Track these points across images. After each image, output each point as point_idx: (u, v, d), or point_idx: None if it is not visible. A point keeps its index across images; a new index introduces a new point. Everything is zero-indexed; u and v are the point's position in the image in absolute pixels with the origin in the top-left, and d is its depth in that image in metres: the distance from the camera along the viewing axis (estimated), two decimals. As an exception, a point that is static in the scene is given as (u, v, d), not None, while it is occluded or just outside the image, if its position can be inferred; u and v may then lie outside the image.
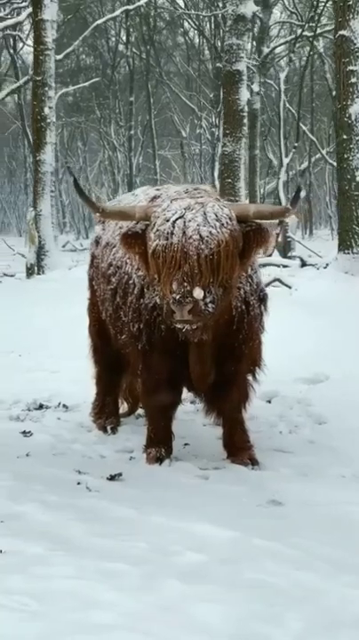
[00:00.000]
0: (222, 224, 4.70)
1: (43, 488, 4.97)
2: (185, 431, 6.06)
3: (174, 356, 5.24)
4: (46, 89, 16.28)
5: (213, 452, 5.65)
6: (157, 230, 4.75)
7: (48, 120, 16.22)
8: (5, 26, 24.44)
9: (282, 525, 4.43)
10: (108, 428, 6.26)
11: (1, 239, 27.38)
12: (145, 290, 5.30)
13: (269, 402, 6.90)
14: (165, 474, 5.30)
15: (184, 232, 4.65)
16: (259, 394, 6.84)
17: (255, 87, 25.74)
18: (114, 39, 42.83)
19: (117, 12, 29.89)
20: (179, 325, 4.69)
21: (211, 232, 4.64)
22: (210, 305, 4.62)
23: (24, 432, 6.17)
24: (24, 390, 7.40)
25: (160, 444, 5.56)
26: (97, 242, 6.26)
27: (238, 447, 5.52)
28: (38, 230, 16.01)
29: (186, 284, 4.57)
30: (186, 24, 40.54)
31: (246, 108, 16.92)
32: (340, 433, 6.01)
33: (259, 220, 4.89)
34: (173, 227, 4.69)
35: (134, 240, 4.96)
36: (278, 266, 14.23)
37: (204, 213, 4.71)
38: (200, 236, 4.63)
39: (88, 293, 6.43)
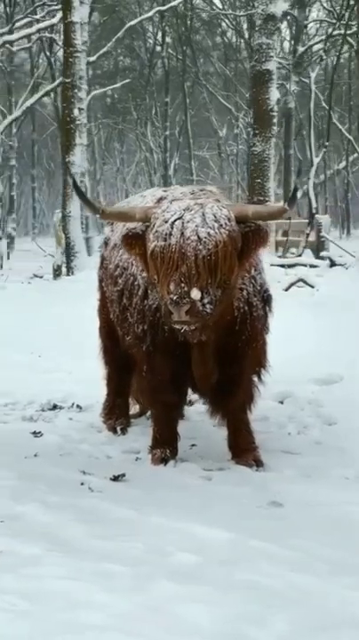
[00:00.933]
0: (220, 225, 4.69)
1: (47, 488, 5.00)
2: (194, 432, 6.08)
3: (178, 357, 5.24)
4: (76, 91, 16.36)
5: (220, 453, 5.63)
6: (156, 231, 4.76)
7: (77, 122, 16.30)
8: (39, 28, 24.56)
9: (280, 527, 4.42)
10: (118, 428, 6.27)
11: (33, 241, 27.53)
12: (149, 291, 5.31)
13: (282, 402, 6.87)
14: (169, 475, 5.31)
15: (182, 233, 4.66)
16: (271, 394, 6.89)
17: (289, 86, 25.66)
18: (151, 40, 42.93)
19: (151, 13, 29.94)
20: (177, 326, 4.70)
21: (209, 233, 4.64)
22: (208, 306, 4.61)
23: (34, 432, 6.20)
24: (40, 391, 7.44)
25: (165, 445, 5.56)
26: (106, 243, 6.29)
27: (243, 448, 5.51)
28: (67, 232, 16.11)
29: (183, 284, 4.58)
30: (223, 24, 40.59)
31: (276, 108, 16.87)
32: (349, 434, 5.97)
33: (257, 221, 4.88)
34: (172, 228, 4.70)
35: (135, 241, 4.97)
36: (306, 266, 14.18)
37: (203, 214, 4.71)
38: (198, 236, 4.63)
39: (98, 295, 6.45)
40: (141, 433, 6.21)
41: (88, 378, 7.36)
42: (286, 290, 11.89)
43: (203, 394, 5.52)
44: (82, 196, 5.42)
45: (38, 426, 6.41)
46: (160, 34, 40.75)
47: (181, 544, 4.15)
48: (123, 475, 5.21)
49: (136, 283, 5.49)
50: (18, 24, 27.99)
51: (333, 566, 3.92)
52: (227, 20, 39.54)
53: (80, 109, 18.06)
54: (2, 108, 33.75)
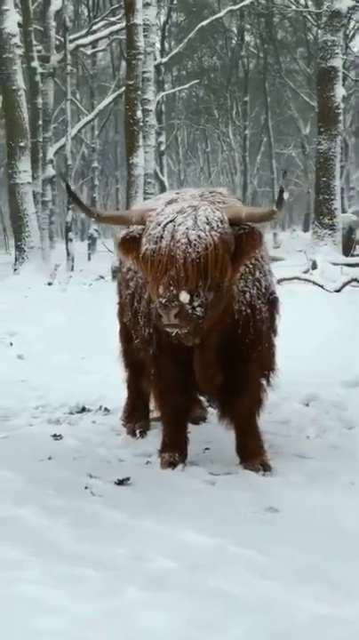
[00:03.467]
0: (212, 227, 4.64)
1: (51, 492, 5.05)
2: (210, 435, 6.05)
3: (184, 361, 5.21)
4: (139, 93, 16.42)
5: (230, 457, 5.58)
6: (149, 234, 4.75)
7: (141, 123, 16.35)
8: (112, 31, 24.75)
9: (268, 533, 4.39)
10: (137, 431, 6.28)
11: (102, 242, 27.71)
12: None
13: (307, 405, 6.78)
14: (174, 479, 5.29)
15: (173, 236, 4.63)
16: (299, 397, 6.82)
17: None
18: (234, 40, 42.86)
19: (222, 14, 29.84)
20: (167, 329, 4.67)
21: (199, 235, 4.60)
22: (198, 309, 4.57)
23: (54, 435, 6.26)
24: (75, 393, 7.49)
25: (174, 449, 5.55)
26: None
27: (250, 453, 5.46)
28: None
29: (172, 287, 4.55)
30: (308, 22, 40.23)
31: (341, 105, 16.65)
32: (367, 438, 5.87)
33: (251, 223, 4.82)
34: (163, 230, 4.68)
35: (132, 244, 4.95)
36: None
37: (195, 217, 4.68)
38: (188, 239, 4.59)
39: (117, 298, 6.46)
40: (160, 436, 6.19)
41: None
42: (338, 290, 11.74)
43: (209, 397, 5.48)
44: (76, 199, 5.43)
45: (61, 429, 6.47)
46: (244, 33, 40.58)
47: (164, 550, 4.16)
48: (128, 479, 5.22)
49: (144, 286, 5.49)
50: (95, 27, 28.17)
51: (306, 574, 3.89)
52: (309, 17, 39.14)
53: (147, 111, 18.17)
54: (85, 111, 34.12)
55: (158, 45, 35.85)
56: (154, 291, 4.69)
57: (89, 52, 28.59)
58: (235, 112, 41.18)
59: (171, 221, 4.70)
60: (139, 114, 16.33)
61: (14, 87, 15.67)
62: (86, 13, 36.12)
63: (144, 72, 18.47)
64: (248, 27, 39.80)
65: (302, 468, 5.39)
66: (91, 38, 26.38)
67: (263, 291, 5.30)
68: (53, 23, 22.55)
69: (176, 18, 43.14)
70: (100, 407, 7.09)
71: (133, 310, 5.69)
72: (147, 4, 18.36)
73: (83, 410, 7.09)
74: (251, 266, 5.25)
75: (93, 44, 28.33)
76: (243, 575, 3.87)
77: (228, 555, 4.10)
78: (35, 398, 7.54)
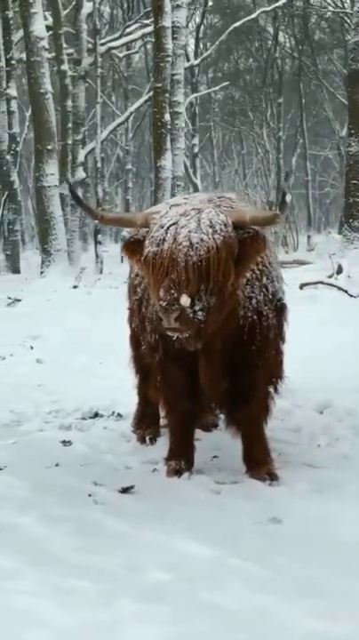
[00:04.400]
0: (215, 230, 4.57)
1: (54, 499, 5.00)
2: (220, 443, 5.97)
3: (190, 368, 5.16)
4: (167, 95, 16.38)
5: (238, 465, 5.49)
6: (152, 237, 4.69)
7: (168, 126, 16.32)
8: (144, 34, 24.76)
9: (269, 544, 4.31)
10: (147, 438, 6.21)
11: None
12: None
13: (321, 413, 6.68)
14: (179, 487, 5.22)
15: (175, 239, 4.56)
16: (312, 404, 6.73)
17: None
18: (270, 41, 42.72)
19: (254, 15, 29.75)
20: (169, 333, 4.61)
21: (201, 239, 4.53)
22: (199, 313, 4.49)
23: (64, 441, 6.21)
24: (89, 398, 7.44)
25: (180, 457, 5.48)
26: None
27: (257, 462, 5.37)
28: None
29: (173, 291, 4.48)
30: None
31: (372, 107, 16.50)
32: (380, 447, 5.78)
33: (256, 227, 4.74)
34: (166, 233, 4.61)
35: (136, 247, 4.89)
36: None
37: (199, 220, 4.61)
38: (190, 242, 4.52)
39: (127, 303, 6.41)
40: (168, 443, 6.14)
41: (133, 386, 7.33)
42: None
43: (215, 404, 5.40)
44: (79, 201, 5.39)
45: (71, 434, 6.42)
46: (280, 34, 40.43)
47: (162, 561, 4.11)
48: (132, 487, 5.16)
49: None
50: (129, 29, 28.18)
51: (305, 588, 3.83)
52: (347, 19, 38.89)
53: (177, 113, 18.13)
54: (119, 114, 34.19)
55: (192, 47, 35.95)
56: (155, 294, 4.63)
57: (121, 54, 28.60)
58: (269, 114, 41.00)
59: (174, 224, 4.63)
60: (167, 116, 16.30)
61: (42, 90, 15.71)
62: (121, 15, 36.14)
63: (174, 74, 18.44)
64: (283, 28, 39.61)
65: (310, 478, 5.29)
66: (122, 41, 26.40)
67: (270, 297, 5.21)
68: (85, 26, 22.54)
69: (211, 20, 43.14)
70: (113, 413, 7.03)
71: (141, 316, 5.64)
72: (177, 7, 18.28)
73: (96, 415, 7.03)
74: (257, 271, 5.17)
75: (127, 46, 28.32)
76: (240, 588, 3.81)
77: (226, 567, 4.03)
78: (48, 403, 7.52)
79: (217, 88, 35.74)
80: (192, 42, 36.81)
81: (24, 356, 10.00)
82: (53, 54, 21.71)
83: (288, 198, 4.59)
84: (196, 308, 4.49)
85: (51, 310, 12.62)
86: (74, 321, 11.27)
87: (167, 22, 16.35)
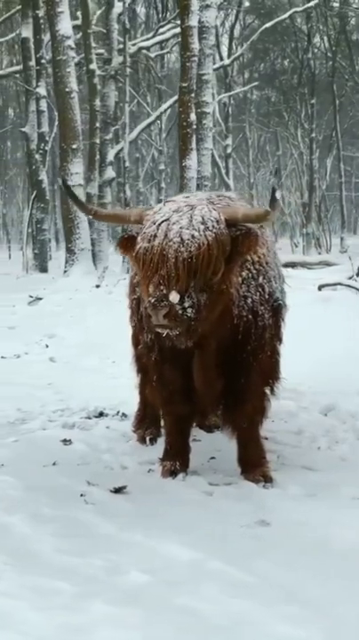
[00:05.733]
0: (207, 227, 4.52)
1: (46, 499, 4.97)
2: (219, 444, 5.91)
3: (186, 369, 5.11)
4: (192, 95, 16.31)
5: (234, 467, 5.45)
6: (144, 233, 4.65)
7: (194, 126, 16.25)
8: (175, 34, 24.71)
9: (252, 548, 4.26)
10: (147, 438, 6.18)
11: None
12: None
13: (326, 415, 6.60)
14: (172, 488, 5.18)
15: (166, 235, 4.52)
16: (318, 407, 6.66)
17: None
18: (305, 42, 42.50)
19: (286, 16, 29.60)
20: (158, 330, 4.56)
21: (192, 235, 4.48)
22: (189, 310, 4.43)
23: (64, 440, 6.18)
24: (97, 397, 7.45)
25: (175, 458, 5.44)
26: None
27: (251, 463, 5.32)
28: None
29: (162, 287, 4.43)
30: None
31: None
32: (379, 450, 5.70)
33: (249, 225, 4.68)
34: (158, 229, 4.57)
35: (130, 243, 4.84)
36: None
37: (191, 216, 4.56)
38: (181, 238, 4.48)
39: (128, 302, 6.38)
40: (168, 444, 6.10)
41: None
42: None
43: (210, 405, 5.34)
44: (73, 197, 5.37)
45: (73, 434, 6.38)
46: (311, 34, 40.17)
47: (143, 563, 4.06)
48: (124, 487, 5.12)
49: None
50: (162, 29, 28.15)
51: (284, 593, 3.77)
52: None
53: (205, 113, 18.07)
54: (151, 113, 34.16)
55: (226, 47, 35.83)
56: (144, 290, 4.59)
57: (153, 54, 28.58)
58: (303, 115, 40.79)
59: (165, 220, 4.60)
60: (193, 116, 16.22)
61: (67, 89, 15.72)
62: (156, 16, 36.16)
63: (202, 74, 18.35)
64: (318, 28, 39.37)
65: (305, 481, 5.23)
66: (153, 41, 26.39)
67: (266, 297, 5.15)
68: (116, 25, 22.53)
69: (249, 19, 43.00)
70: (118, 412, 7.01)
71: (139, 315, 5.60)
72: (206, 6, 18.20)
73: (101, 415, 7.01)
74: (254, 271, 5.12)
75: (161, 45, 28.31)
76: (217, 593, 3.75)
77: (207, 571, 3.97)
78: (56, 402, 7.52)
79: (246, 88, 35.57)
80: (225, 42, 36.66)
81: (38, 355, 10.03)
82: (82, 55, 21.73)
83: (278, 195, 4.52)
84: (186, 304, 4.44)
85: (71, 309, 12.64)
86: (91, 320, 11.28)
87: (193, 22, 16.27)
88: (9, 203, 52.57)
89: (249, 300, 5.04)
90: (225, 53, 34.96)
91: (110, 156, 22.27)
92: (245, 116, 44.25)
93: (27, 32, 24.32)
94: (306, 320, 8.28)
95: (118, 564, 4.04)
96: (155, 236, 4.56)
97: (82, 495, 5.04)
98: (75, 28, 20.98)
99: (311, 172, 37.75)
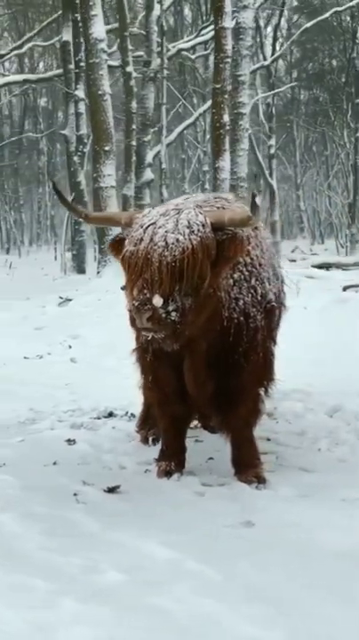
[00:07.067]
0: (192, 231, 4.54)
1: (40, 498, 5.01)
2: (218, 445, 5.89)
3: (179, 369, 5.14)
4: (226, 97, 16.29)
5: (231, 468, 5.45)
6: (131, 236, 4.70)
7: (227, 127, 16.24)
8: (213, 36, 24.67)
9: (232, 548, 4.26)
10: (150, 439, 6.19)
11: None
12: None
13: (331, 416, 6.58)
14: (165, 489, 5.20)
15: (151, 239, 4.56)
16: (324, 408, 6.64)
17: None
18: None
19: (327, 15, 29.39)
20: (143, 333, 4.60)
21: (177, 239, 4.51)
22: (173, 314, 4.46)
23: (68, 440, 6.24)
24: (109, 397, 7.51)
25: (171, 458, 5.47)
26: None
27: (245, 464, 5.32)
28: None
29: (146, 291, 4.47)
30: None
31: None
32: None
33: (235, 228, 4.69)
34: (144, 233, 4.61)
35: (121, 246, 4.88)
36: None
37: (177, 220, 4.59)
38: (166, 242, 4.51)
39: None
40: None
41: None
42: None
43: (202, 407, 5.35)
44: (64, 200, 5.40)
45: (78, 434, 6.43)
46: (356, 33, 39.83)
47: (121, 563, 4.08)
48: (118, 487, 5.16)
49: None
50: (204, 31, 28.21)
51: (255, 593, 3.76)
52: None
53: (241, 114, 18.04)
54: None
55: (269, 47, 35.68)
56: (129, 293, 4.62)
57: (194, 55, 28.63)
58: (350, 114, 40.48)
59: (152, 224, 4.63)
60: (226, 117, 16.20)
61: (100, 92, 15.81)
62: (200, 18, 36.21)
63: (239, 75, 18.29)
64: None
65: (298, 482, 5.23)
66: (192, 42, 26.43)
67: (259, 298, 5.15)
68: (155, 28, 22.63)
69: (295, 20, 42.81)
70: (127, 413, 7.05)
71: None
72: (244, 7, 18.15)
73: (110, 415, 7.07)
74: (246, 273, 5.13)
75: (205, 47, 28.33)
76: (189, 593, 3.75)
77: (183, 571, 3.98)
78: (69, 402, 7.59)
79: (283, 89, 35.38)
80: (269, 42, 36.49)
81: (61, 356, 10.12)
82: (120, 57, 21.85)
83: (258, 200, 4.52)
84: (170, 308, 4.47)
85: (98, 310, 12.71)
86: (115, 321, 11.29)
87: (227, 23, 16.27)
88: (57, 204, 52.97)
89: (240, 302, 5.05)
90: (269, 53, 34.78)
91: (149, 158, 22.36)
92: (293, 116, 44.05)
93: (67, 35, 24.54)
94: (322, 321, 8.28)
95: (97, 563, 4.06)
96: (142, 239, 4.60)
97: (75, 495, 5.08)
98: (114, 30, 21.10)
99: (356, 173, 37.42)
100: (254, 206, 4.55)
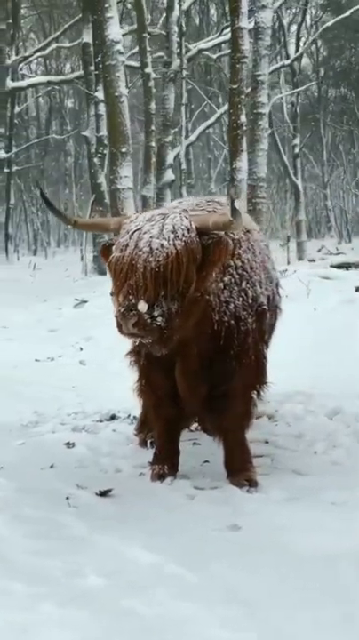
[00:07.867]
0: (177, 236, 4.56)
1: (32, 501, 5.03)
2: (216, 448, 5.88)
3: (171, 373, 5.16)
4: (242, 97, 16.25)
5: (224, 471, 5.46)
6: (118, 242, 4.72)
7: (244, 127, 16.19)
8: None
9: (215, 551, 4.26)
10: (148, 442, 6.20)
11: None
12: None
13: (331, 419, 6.56)
14: (157, 492, 5.21)
15: (136, 244, 4.58)
16: (325, 410, 6.62)
17: None
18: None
19: (348, 13, 29.25)
20: (130, 338, 4.63)
21: (162, 244, 4.53)
22: (159, 319, 4.49)
23: (68, 443, 6.27)
24: (112, 400, 7.52)
25: (164, 461, 5.48)
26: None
27: (237, 468, 5.32)
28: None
29: (131, 296, 4.49)
30: None
31: None
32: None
33: (220, 233, 4.69)
34: (130, 238, 4.64)
35: (110, 252, 4.91)
36: None
37: (162, 225, 4.61)
38: (150, 248, 4.54)
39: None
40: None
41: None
42: None
43: (194, 410, 5.36)
44: (50, 206, 5.43)
45: (79, 437, 6.46)
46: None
47: (103, 567, 4.09)
48: (110, 490, 5.18)
49: None
50: (225, 31, 28.17)
51: (232, 595, 3.76)
52: None
53: (260, 114, 17.97)
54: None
55: (293, 46, 35.59)
56: (115, 299, 4.64)
57: (214, 55, 28.62)
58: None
59: (138, 229, 4.65)
60: (243, 118, 16.15)
61: (116, 94, 15.80)
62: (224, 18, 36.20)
63: (258, 75, 18.22)
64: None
65: (290, 485, 5.22)
66: (212, 42, 26.43)
67: (249, 302, 5.16)
68: (175, 28, 22.64)
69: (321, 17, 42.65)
70: (129, 415, 7.06)
71: None
72: (262, 7, 18.09)
73: (113, 418, 7.10)
74: (237, 276, 5.14)
75: (228, 45, 28.24)
76: (166, 596, 3.76)
77: (163, 574, 3.99)
78: (74, 405, 7.62)
79: (304, 87, 35.26)
80: (293, 41, 36.41)
81: (71, 358, 10.18)
82: (139, 58, 21.88)
83: (237, 204, 4.51)
84: (155, 313, 4.49)
85: (112, 312, 12.74)
86: (127, 322, 11.34)
87: (244, 23, 16.20)
88: (84, 205, 53.11)
89: (231, 306, 5.06)
90: (293, 52, 34.65)
91: (169, 159, 22.38)
92: (319, 114, 43.89)
93: (87, 37, 24.63)
94: (329, 322, 8.25)
95: (80, 567, 4.07)
96: (127, 245, 4.63)
97: (67, 498, 5.10)
98: (133, 32, 21.13)
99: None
100: (234, 210, 4.54)
